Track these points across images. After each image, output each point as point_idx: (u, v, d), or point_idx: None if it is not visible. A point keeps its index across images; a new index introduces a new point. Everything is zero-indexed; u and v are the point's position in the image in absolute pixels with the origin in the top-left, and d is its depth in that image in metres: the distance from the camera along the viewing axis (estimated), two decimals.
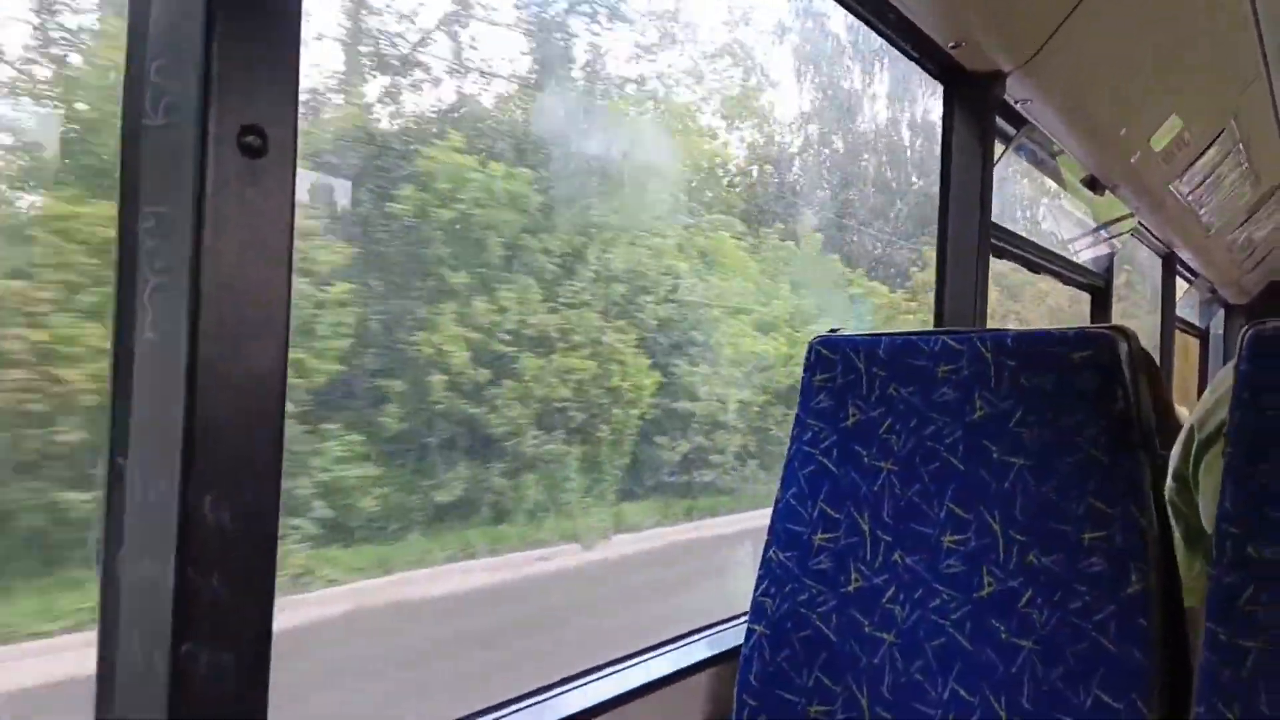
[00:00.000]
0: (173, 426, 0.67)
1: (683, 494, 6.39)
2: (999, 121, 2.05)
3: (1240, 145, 2.95)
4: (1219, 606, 0.99)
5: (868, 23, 1.72)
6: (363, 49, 4.56)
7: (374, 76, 4.65)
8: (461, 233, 4.73)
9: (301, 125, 0.72)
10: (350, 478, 3.93)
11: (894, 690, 1.19)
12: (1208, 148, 2.82)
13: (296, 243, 0.72)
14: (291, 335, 0.74)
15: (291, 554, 3.55)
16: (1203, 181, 3.06)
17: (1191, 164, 2.85)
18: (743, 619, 1.37)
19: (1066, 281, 2.97)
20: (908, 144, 10.40)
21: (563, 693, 1.24)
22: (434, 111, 5.01)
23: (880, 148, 10.21)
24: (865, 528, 1.26)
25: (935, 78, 1.94)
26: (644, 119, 7.06)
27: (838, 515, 1.29)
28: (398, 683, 3.67)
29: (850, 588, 1.25)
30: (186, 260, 0.67)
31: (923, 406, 1.25)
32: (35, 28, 2.60)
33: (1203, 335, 5.43)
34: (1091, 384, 1.13)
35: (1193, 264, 4.33)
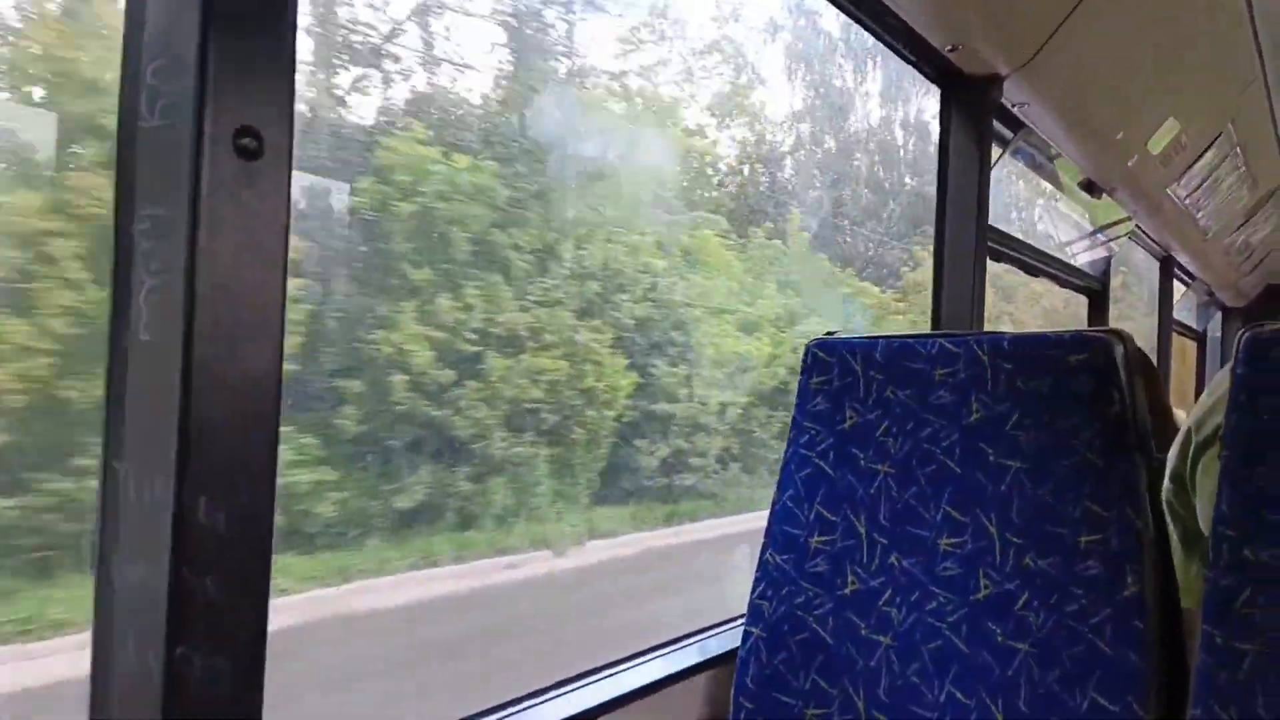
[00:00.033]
0: (168, 428, 0.67)
1: (662, 498, 6.26)
2: (996, 125, 2.06)
3: (1237, 149, 2.96)
4: (1215, 609, 0.99)
5: (865, 26, 1.72)
6: (329, 37, 4.45)
7: (343, 68, 4.55)
8: (425, 228, 4.61)
9: None
10: (305, 482, 3.84)
11: (891, 693, 1.19)
12: (1205, 151, 2.83)
13: None
14: None
15: None
16: (1200, 185, 3.06)
17: (1189, 167, 2.86)
18: (739, 622, 1.37)
19: (1064, 284, 2.97)
20: (901, 143, 10.39)
21: (560, 695, 1.24)
22: (397, 102, 4.87)
23: (873, 147, 10.21)
24: (862, 530, 1.26)
25: (932, 81, 1.94)
26: (624, 113, 6.94)
27: (834, 518, 1.29)
28: (341, 702, 3.54)
29: (847, 590, 1.25)
30: (182, 262, 0.67)
31: (919, 409, 1.25)
32: None
33: (1200, 338, 5.44)
34: (1087, 387, 1.13)
35: (1190, 267, 4.34)
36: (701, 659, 1.39)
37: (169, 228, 0.68)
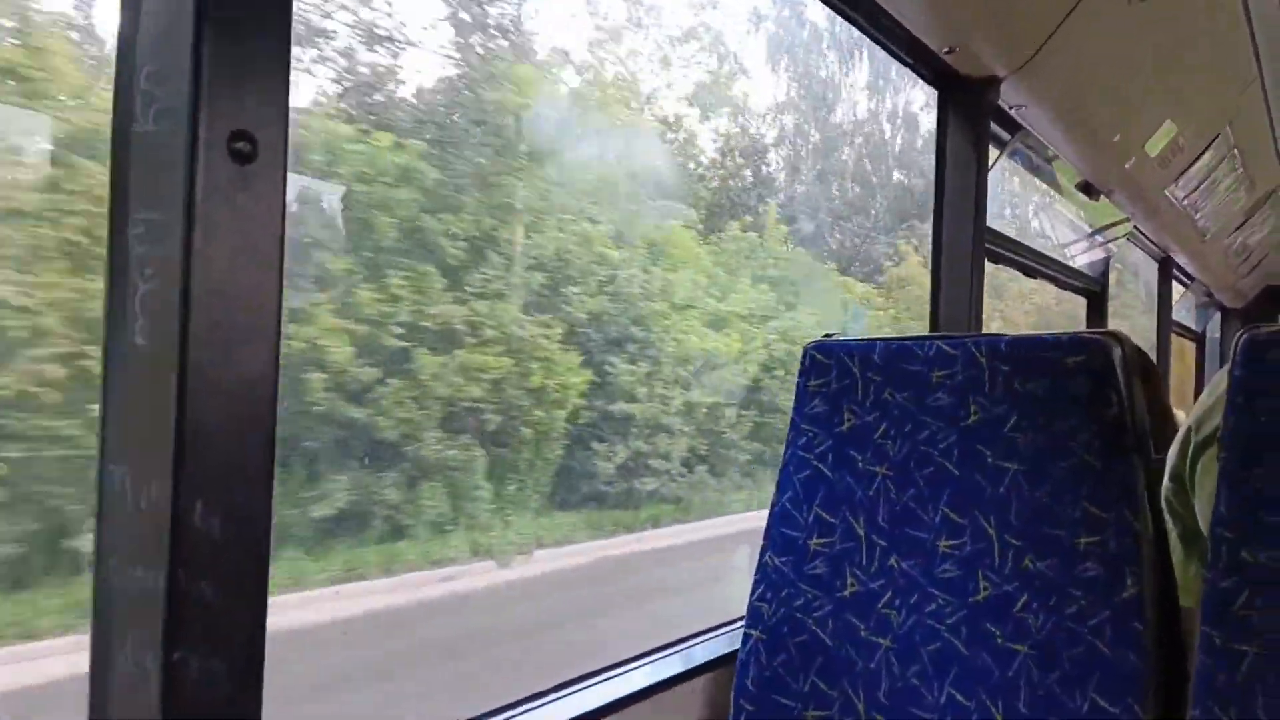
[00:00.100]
0: (164, 432, 0.67)
1: (622, 504, 5.81)
2: (993, 126, 2.06)
3: (1235, 151, 2.96)
4: (1214, 611, 0.99)
5: (861, 28, 1.72)
6: None
7: None
8: (341, 212, 4.25)
9: None
10: None
11: (890, 695, 1.18)
12: (1202, 153, 2.83)
13: None
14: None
15: None
16: (1198, 186, 3.07)
17: (1186, 169, 2.86)
18: (739, 624, 1.37)
19: (1062, 286, 2.98)
20: (888, 136, 10.31)
21: (559, 698, 1.24)
22: (314, 79, 4.48)
23: (858, 141, 10.14)
24: (861, 532, 1.26)
25: (930, 83, 1.94)
26: (586, 96, 6.48)
27: (833, 520, 1.29)
28: None
29: (846, 592, 1.25)
30: (177, 266, 0.67)
31: (917, 411, 1.25)
32: None
33: (1199, 339, 5.45)
34: (1085, 389, 1.13)
35: (1189, 268, 4.35)
36: (701, 661, 1.39)
37: (164, 232, 0.68)
